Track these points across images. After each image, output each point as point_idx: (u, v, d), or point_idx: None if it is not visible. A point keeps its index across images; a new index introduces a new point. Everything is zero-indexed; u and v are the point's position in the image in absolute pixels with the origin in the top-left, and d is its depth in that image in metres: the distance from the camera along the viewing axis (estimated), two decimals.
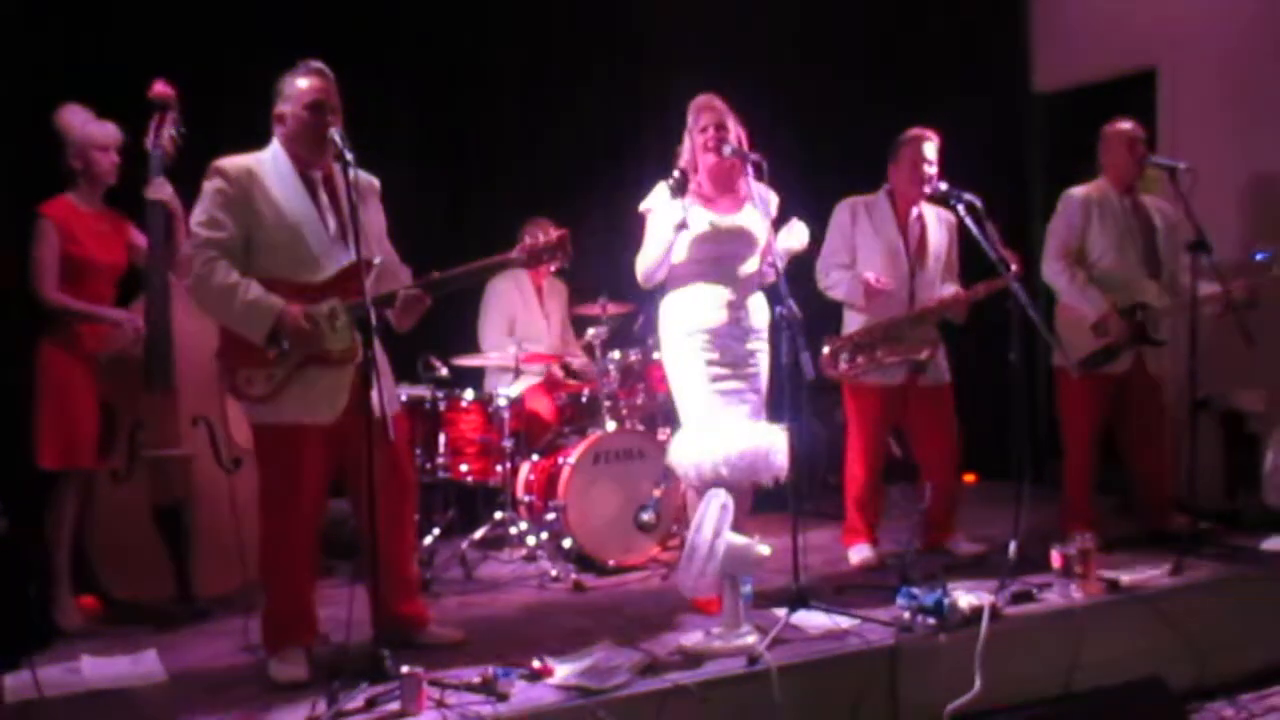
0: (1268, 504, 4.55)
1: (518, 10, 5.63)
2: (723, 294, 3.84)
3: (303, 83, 3.23)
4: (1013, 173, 6.46)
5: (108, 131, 3.91)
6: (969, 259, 4.51)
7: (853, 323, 4.51)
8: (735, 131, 3.83)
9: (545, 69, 5.73)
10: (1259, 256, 4.61)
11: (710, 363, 3.82)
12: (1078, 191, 4.61)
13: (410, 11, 5.39)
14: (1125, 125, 4.60)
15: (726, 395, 3.82)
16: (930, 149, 4.43)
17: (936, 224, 4.55)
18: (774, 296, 3.63)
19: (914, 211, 4.52)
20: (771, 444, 3.78)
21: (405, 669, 2.96)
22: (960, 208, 4.13)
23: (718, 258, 3.84)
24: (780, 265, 3.67)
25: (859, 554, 4.51)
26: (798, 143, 5.75)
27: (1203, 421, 4.64)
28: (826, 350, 4.41)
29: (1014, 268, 4.15)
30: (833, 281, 4.49)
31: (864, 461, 4.55)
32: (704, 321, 3.83)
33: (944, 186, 4.23)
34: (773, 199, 3.91)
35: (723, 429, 3.77)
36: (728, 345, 3.83)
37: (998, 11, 6.49)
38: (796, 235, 3.84)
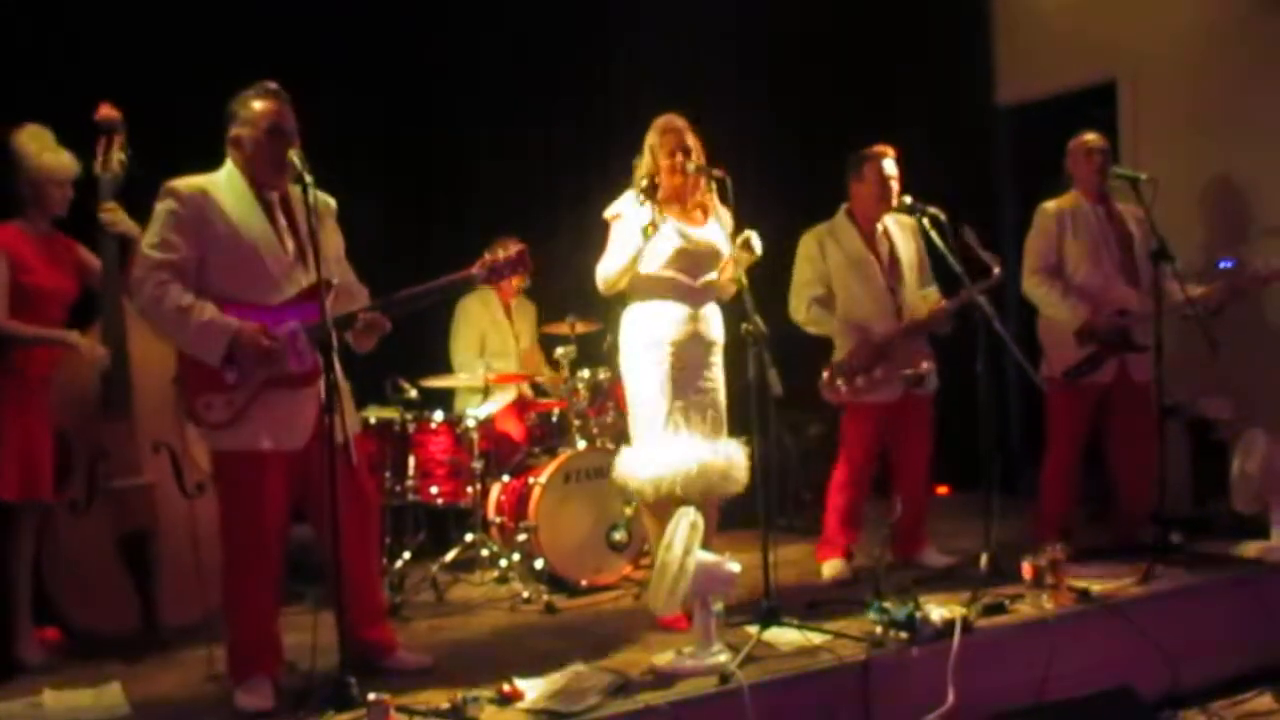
0: (1236, 510, 4.57)
1: (484, 29, 5.63)
2: (685, 307, 3.86)
3: (259, 105, 3.20)
4: (978, 186, 6.49)
5: (64, 164, 3.79)
6: (939, 272, 4.53)
7: (843, 341, 4.51)
8: (695, 150, 3.85)
9: (512, 89, 5.72)
10: (1224, 264, 4.65)
11: (674, 376, 3.82)
12: (1051, 205, 4.65)
13: (374, 28, 5.37)
14: (1086, 137, 4.64)
15: (687, 409, 3.83)
16: (890, 164, 4.46)
17: (901, 233, 4.58)
18: (740, 313, 3.63)
19: (879, 227, 4.54)
20: (730, 459, 3.79)
21: (372, 696, 2.92)
22: (925, 221, 4.16)
23: (684, 270, 3.85)
24: (743, 280, 3.67)
25: (833, 568, 4.51)
26: (761, 161, 5.77)
27: (1170, 429, 4.67)
28: (826, 375, 4.44)
29: (996, 270, 4.16)
30: (814, 317, 4.51)
31: (855, 479, 4.55)
32: (667, 334, 3.84)
33: (908, 200, 4.26)
34: (726, 216, 3.91)
35: (681, 444, 3.77)
36: (690, 358, 3.85)
37: (959, 26, 6.54)
38: (754, 245, 3.81)
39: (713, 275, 3.91)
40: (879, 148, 4.50)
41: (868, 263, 4.49)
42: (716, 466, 3.77)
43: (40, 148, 3.77)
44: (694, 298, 3.87)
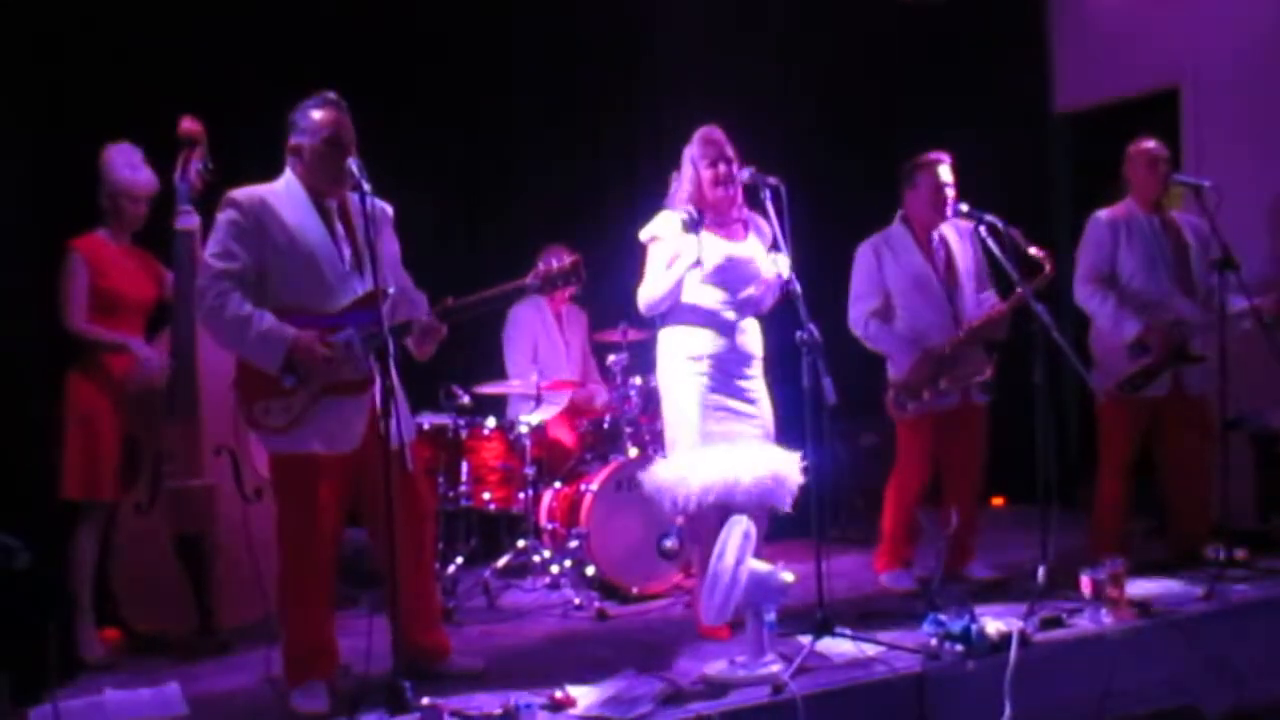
0: None
1: (536, 37, 5.66)
2: (724, 321, 3.85)
3: (318, 115, 3.25)
4: (1036, 193, 6.42)
5: (143, 182, 3.97)
6: (996, 280, 4.48)
7: (900, 359, 4.46)
8: (734, 160, 3.84)
9: (564, 96, 5.75)
10: None
11: (711, 389, 3.81)
12: (1104, 214, 4.58)
13: (427, 39, 5.42)
14: (1148, 144, 4.57)
15: (726, 421, 3.81)
16: (946, 171, 4.43)
17: (959, 240, 4.53)
18: (795, 322, 3.61)
19: (935, 235, 4.50)
20: (782, 469, 3.76)
21: (426, 700, 2.95)
22: (982, 229, 4.11)
23: (723, 285, 3.85)
24: (797, 288, 3.65)
25: (895, 579, 4.50)
26: (816, 168, 5.74)
27: (1234, 442, 4.57)
28: (891, 394, 4.44)
29: (1047, 268, 4.09)
30: (872, 333, 4.47)
31: (912, 488, 4.54)
32: (705, 348, 3.84)
33: (965, 208, 4.22)
34: (765, 225, 3.90)
35: (720, 456, 3.74)
36: (728, 371, 3.84)
37: (1019, 31, 6.47)
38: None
39: (752, 290, 3.90)
40: (933, 155, 4.47)
41: (925, 273, 4.46)
42: (767, 476, 3.74)
43: (121, 164, 3.93)
44: (730, 311, 3.86)
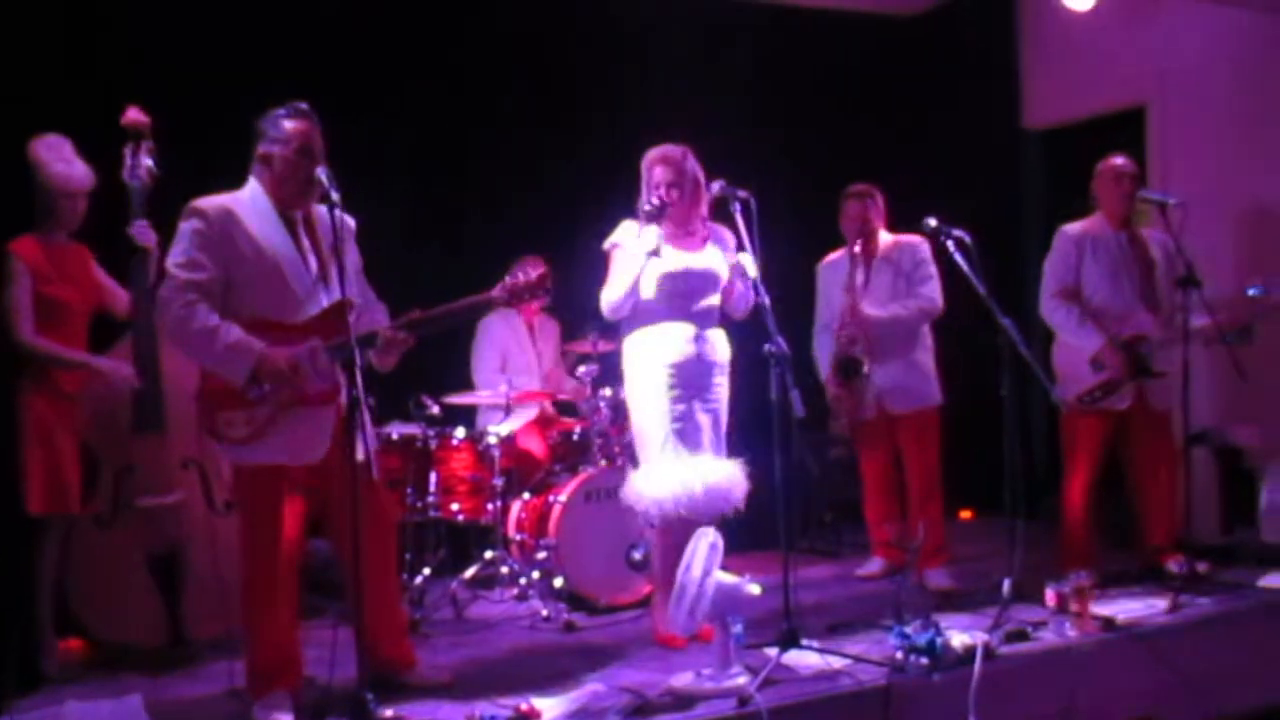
0: (1264, 540, 4.51)
1: (514, 48, 5.66)
2: (685, 330, 3.88)
3: (289, 125, 3.22)
4: (1005, 209, 6.47)
5: (78, 177, 3.74)
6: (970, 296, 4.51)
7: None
8: (693, 175, 3.87)
9: (540, 107, 5.75)
10: (1252, 290, 4.61)
11: (674, 398, 3.84)
12: (1071, 228, 4.64)
13: (404, 49, 5.41)
14: (1116, 161, 4.63)
15: (689, 430, 3.84)
16: (860, 205, 4.71)
17: (892, 255, 4.70)
18: (763, 333, 3.62)
19: (858, 253, 4.74)
20: (730, 477, 3.81)
21: (389, 712, 2.94)
22: (950, 244, 4.14)
23: (682, 294, 3.88)
24: (764, 294, 3.67)
25: (867, 565, 4.90)
26: (788, 184, 5.76)
27: (1198, 457, 4.61)
28: (844, 419, 4.82)
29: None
30: (817, 342, 4.88)
31: (871, 494, 4.92)
32: (667, 356, 3.86)
33: (933, 222, 4.24)
34: (729, 237, 3.92)
35: (685, 464, 3.78)
36: (691, 379, 3.86)
37: (990, 49, 6.53)
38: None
39: (713, 300, 3.92)
40: (855, 188, 4.77)
41: (839, 300, 4.73)
42: (720, 485, 3.77)
43: (53, 159, 3.72)
44: (692, 320, 3.89)
